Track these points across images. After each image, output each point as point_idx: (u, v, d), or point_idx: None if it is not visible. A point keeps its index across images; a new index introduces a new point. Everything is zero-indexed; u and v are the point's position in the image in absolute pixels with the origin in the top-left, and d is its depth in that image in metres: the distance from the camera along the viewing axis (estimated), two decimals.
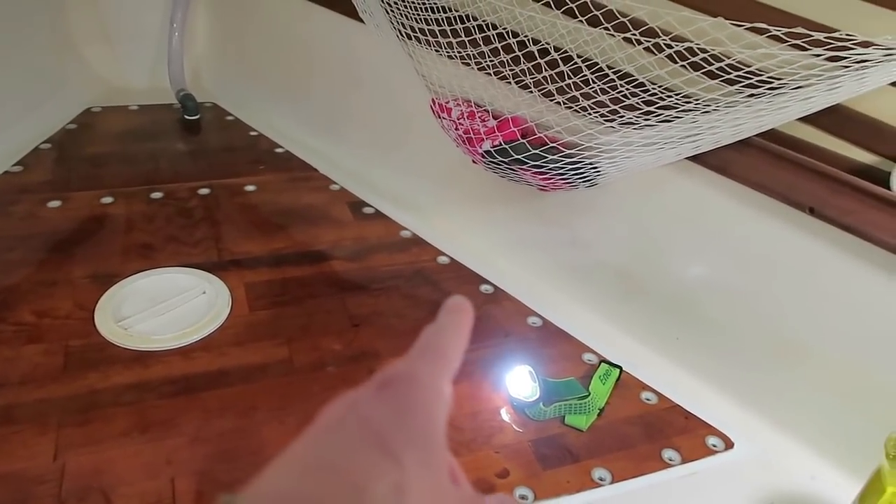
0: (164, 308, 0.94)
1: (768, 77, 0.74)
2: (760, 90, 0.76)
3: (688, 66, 0.77)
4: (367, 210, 1.23)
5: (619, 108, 0.85)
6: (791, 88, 0.74)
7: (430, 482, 0.24)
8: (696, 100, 0.79)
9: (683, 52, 0.75)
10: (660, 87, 0.83)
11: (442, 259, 1.12)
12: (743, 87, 0.75)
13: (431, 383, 0.27)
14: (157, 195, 1.20)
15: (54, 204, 1.15)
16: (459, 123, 1.01)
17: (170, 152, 1.38)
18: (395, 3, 1.05)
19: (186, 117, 1.48)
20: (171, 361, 0.86)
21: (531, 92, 0.94)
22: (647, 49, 0.78)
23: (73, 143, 1.36)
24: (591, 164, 0.90)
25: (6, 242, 1.04)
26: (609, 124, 0.86)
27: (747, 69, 0.74)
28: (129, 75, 1.60)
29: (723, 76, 0.75)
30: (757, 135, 0.84)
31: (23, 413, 0.76)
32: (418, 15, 1.02)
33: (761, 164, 0.85)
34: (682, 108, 0.80)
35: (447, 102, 1.04)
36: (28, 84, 1.38)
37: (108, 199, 1.18)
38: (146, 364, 0.85)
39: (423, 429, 0.25)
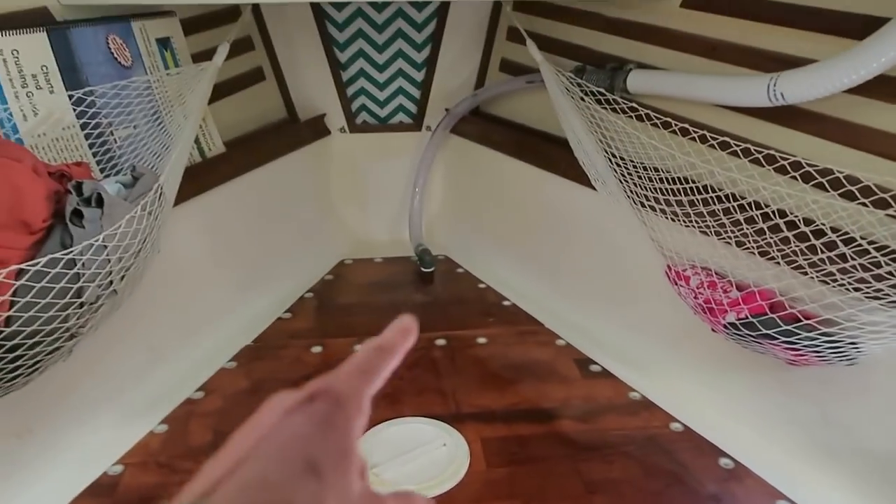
0: (409, 458, 1.01)
1: None
2: None
3: None
4: (593, 367, 1.25)
5: (884, 285, 0.80)
6: None
7: (343, 490, 0.28)
8: None
9: None
10: None
11: (675, 426, 1.08)
12: None
13: (357, 401, 0.31)
14: None
15: (316, 349, 1.31)
16: (699, 292, 1.01)
17: (409, 303, 1.52)
18: (630, 174, 1.11)
19: (423, 269, 1.64)
20: None
21: (779, 264, 0.92)
22: None
23: (330, 293, 1.56)
24: (851, 342, 0.85)
25: (278, 384, 1.20)
26: (874, 302, 0.82)
27: None
28: (376, 231, 1.82)
29: None
30: None
31: None
32: (653, 185, 1.06)
33: None
34: None
35: (684, 270, 1.04)
36: (299, 241, 1.63)
37: (359, 347, 1.31)
38: None
39: (341, 443, 0.29)
